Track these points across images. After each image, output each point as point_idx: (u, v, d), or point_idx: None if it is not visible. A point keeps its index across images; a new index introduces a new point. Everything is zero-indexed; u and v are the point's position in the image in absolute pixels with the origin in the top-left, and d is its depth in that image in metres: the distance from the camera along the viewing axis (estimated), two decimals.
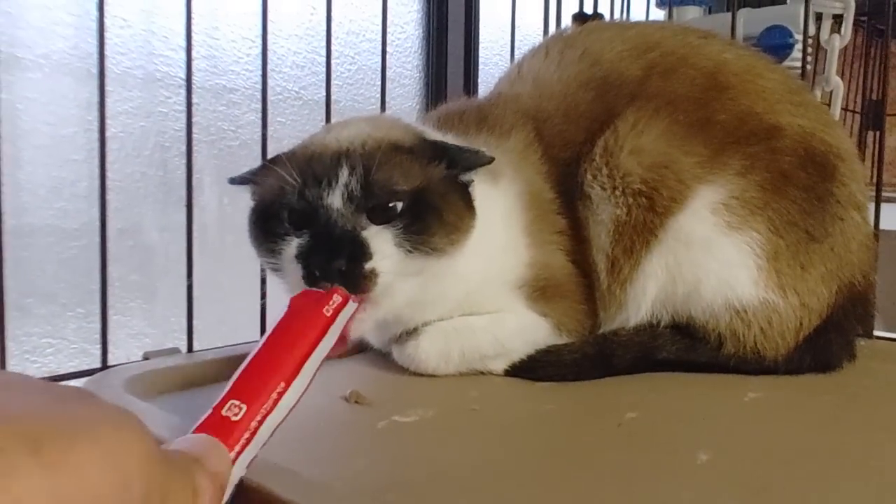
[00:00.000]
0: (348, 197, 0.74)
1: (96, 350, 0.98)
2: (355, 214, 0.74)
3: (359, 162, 0.75)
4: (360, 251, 0.72)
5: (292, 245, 0.74)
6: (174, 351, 0.94)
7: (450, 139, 0.89)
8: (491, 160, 0.80)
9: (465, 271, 0.83)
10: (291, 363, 0.54)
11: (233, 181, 0.84)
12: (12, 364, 0.96)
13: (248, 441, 0.49)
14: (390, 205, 0.75)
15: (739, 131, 0.89)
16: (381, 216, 0.74)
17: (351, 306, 0.61)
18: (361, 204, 0.74)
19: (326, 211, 0.73)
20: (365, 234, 0.73)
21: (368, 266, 0.72)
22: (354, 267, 0.71)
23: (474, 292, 0.86)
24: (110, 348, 0.97)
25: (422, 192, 0.77)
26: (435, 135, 0.86)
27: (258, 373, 0.53)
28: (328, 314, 0.59)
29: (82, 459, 0.34)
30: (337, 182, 0.74)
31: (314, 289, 0.65)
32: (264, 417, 0.50)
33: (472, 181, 0.82)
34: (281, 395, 0.52)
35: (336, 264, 0.70)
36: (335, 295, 0.60)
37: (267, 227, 0.77)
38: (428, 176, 0.78)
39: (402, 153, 0.78)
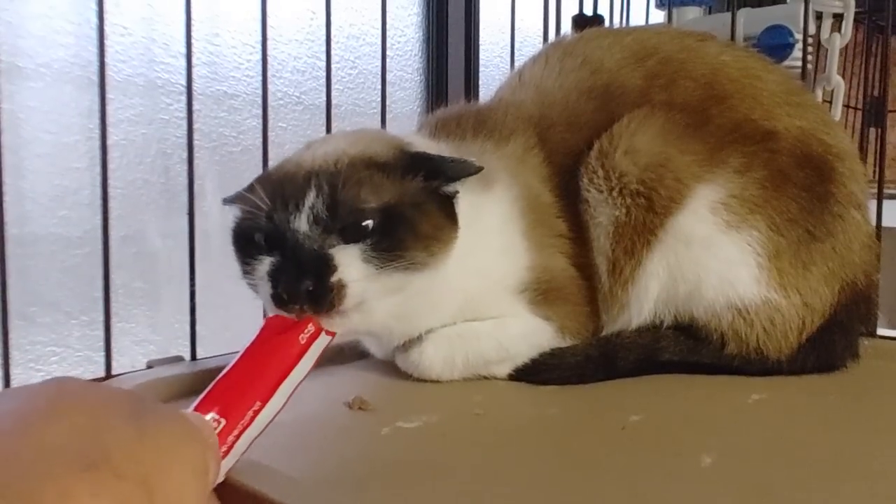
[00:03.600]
0: (314, 219, 0.73)
1: (100, 357, 0.98)
2: (322, 235, 0.73)
3: (325, 182, 0.74)
4: (325, 267, 0.71)
5: (264, 264, 0.74)
6: (178, 359, 0.95)
7: (444, 146, 0.89)
8: (478, 170, 0.79)
9: (459, 280, 0.83)
10: (267, 385, 0.56)
11: (225, 202, 0.84)
12: (16, 373, 0.96)
13: (225, 454, 0.52)
14: (362, 223, 0.74)
15: (737, 132, 0.89)
16: (352, 235, 0.74)
17: (324, 338, 0.62)
18: (328, 225, 0.73)
19: (293, 234, 0.73)
20: (331, 251, 0.73)
21: (334, 279, 0.71)
22: (320, 284, 0.70)
23: (474, 299, 0.86)
24: (114, 355, 0.98)
25: (393, 208, 0.76)
26: (424, 145, 0.86)
27: (236, 389, 0.55)
28: (302, 342, 0.60)
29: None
30: (303, 205, 0.73)
31: (286, 314, 0.67)
32: (241, 433, 0.53)
33: (457, 192, 0.81)
34: (257, 412, 0.54)
35: (303, 286, 0.69)
36: (309, 325, 0.62)
37: (243, 248, 0.78)
38: (402, 190, 0.77)
39: (374, 169, 0.77)
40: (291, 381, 0.57)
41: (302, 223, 0.73)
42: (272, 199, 0.75)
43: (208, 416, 0.52)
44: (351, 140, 0.82)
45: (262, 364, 0.57)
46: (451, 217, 0.81)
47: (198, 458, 0.45)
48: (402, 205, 0.76)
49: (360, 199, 0.74)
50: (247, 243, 0.77)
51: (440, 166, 0.79)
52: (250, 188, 0.78)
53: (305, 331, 0.61)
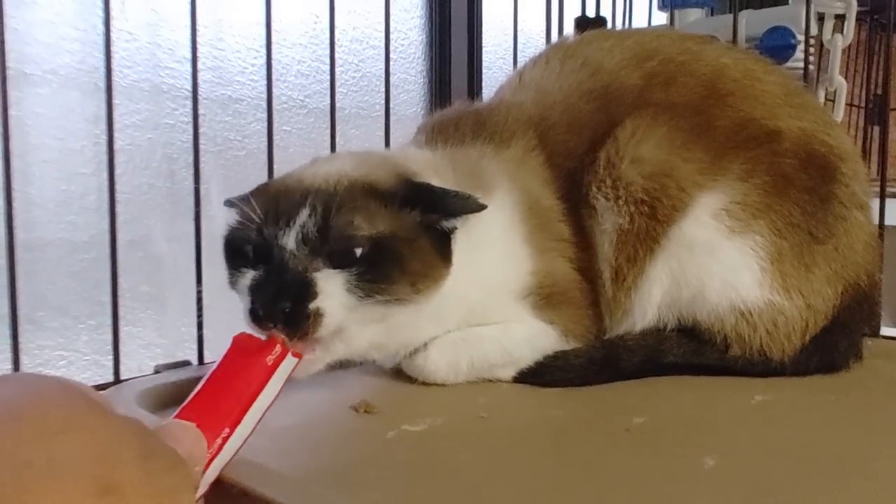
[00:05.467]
0: (303, 239, 0.73)
1: (108, 361, 0.99)
2: (309, 257, 0.73)
3: (321, 203, 0.74)
4: (306, 292, 0.71)
5: (247, 277, 0.74)
6: (185, 363, 0.95)
7: (440, 153, 0.89)
8: (480, 208, 0.79)
9: (461, 291, 0.83)
10: (235, 410, 0.55)
11: (227, 204, 0.84)
12: None
13: None
14: (352, 250, 0.73)
15: (739, 136, 0.89)
16: (340, 261, 0.73)
17: (291, 360, 0.61)
18: (317, 247, 0.73)
19: (280, 251, 0.73)
20: (315, 275, 0.72)
21: (312, 306, 0.70)
22: (298, 308, 0.70)
23: (478, 307, 0.86)
24: (122, 359, 0.98)
25: (385, 239, 0.75)
26: (427, 165, 0.86)
27: (204, 415, 0.54)
28: (269, 363, 0.59)
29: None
30: (294, 223, 0.73)
31: (256, 334, 0.66)
32: (210, 461, 0.52)
33: (455, 228, 0.80)
34: (226, 439, 0.53)
35: (280, 305, 0.69)
36: (277, 345, 0.60)
37: (231, 258, 0.78)
38: (397, 222, 0.77)
39: (372, 196, 0.77)
40: (260, 405, 0.56)
41: (290, 240, 0.73)
42: (265, 212, 0.75)
43: None
44: (356, 163, 0.82)
45: (230, 388, 0.56)
46: (445, 254, 0.80)
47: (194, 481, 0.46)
48: (394, 238, 0.76)
49: (353, 225, 0.74)
50: (235, 254, 0.77)
51: (441, 201, 0.79)
52: (246, 198, 0.78)
53: (273, 352, 0.60)
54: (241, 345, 0.61)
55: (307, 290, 0.71)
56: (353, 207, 0.75)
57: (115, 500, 0.38)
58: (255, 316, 0.69)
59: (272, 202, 0.76)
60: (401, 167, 0.84)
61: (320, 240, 0.73)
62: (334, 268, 0.73)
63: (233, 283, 0.77)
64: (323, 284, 0.72)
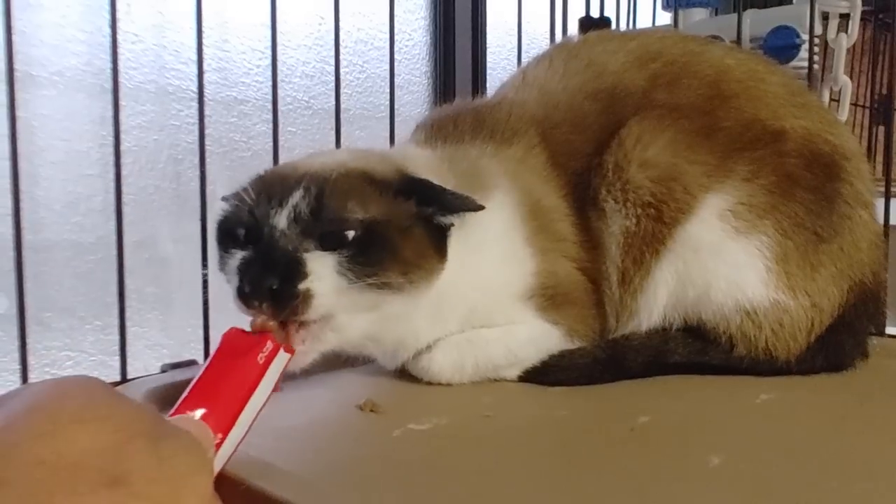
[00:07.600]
0: (294, 218, 0.72)
1: (115, 362, 0.99)
2: (300, 237, 0.72)
3: (315, 185, 0.74)
4: (295, 271, 0.70)
5: (236, 257, 0.73)
6: (191, 363, 0.96)
7: (439, 152, 0.89)
8: (478, 208, 0.78)
9: (459, 293, 0.83)
10: (227, 414, 0.53)
11: (223, 200, 0.84)
12: (32, 378, 0.97)
13: None
14: (344, 233, 0.73)
15: (744, 137, 0.89)
16: (331, 243, 0.73)
17: (283, 356, 0.59)
18: (308, 227, 0.72)
19: (271, 230, 0.72)
20: (305, 256, 0.72)
21: (302, 286, 0.70)
22: (286, 287, 0.69)
23: (479, 309, 0.86)
24: (128, 360, 0.99)
25: (378, 224, 0.74)
26: (426, 166, 0.85)
27: None
28: (261, 362, 0.57)
29: None
30: (287, 202, 0.73)
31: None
32: None
33: (452, 225, 0.80)
34: (219, 445, 0.52)
35: (267, 282, 0.68)
36: (268, 342, 0.58)
37: (223, 241, 0.77)
38: (391, 209, 0.76)
39: (368, 183, 0.76)
40: (253, 407, 0.55)
41: (281, 220, 0.72)
42: (258, 195, 0.75)
43: None
44: (354, 155, 0.83)
45: (220, 391, 0.54)
46: (440, 248, 0.80)
47: (207, 489, 0.45)
48: (387, 224, 0.75)
49: (346, 208, 0.74)
50: (226, 236, 0.77)
51: (438, 196, 0.79)
52: (244, 187, 0.78)
53: (264, 349, 0.58)
54: (230, 343, 0.59)
55: (297, 270, 0.70)
56: (347, 191, 0.75)
57: (124, 491, 0.39)
58: (242, 293, 0.69)
59: (266, 186, 0.76)
60: (400, 162, 0.84)
61: (312, 220, 0.73)
62: (325, 250, 0.72)
63: (222, 266, 0.76)
64: (313, 265, 0.71)
